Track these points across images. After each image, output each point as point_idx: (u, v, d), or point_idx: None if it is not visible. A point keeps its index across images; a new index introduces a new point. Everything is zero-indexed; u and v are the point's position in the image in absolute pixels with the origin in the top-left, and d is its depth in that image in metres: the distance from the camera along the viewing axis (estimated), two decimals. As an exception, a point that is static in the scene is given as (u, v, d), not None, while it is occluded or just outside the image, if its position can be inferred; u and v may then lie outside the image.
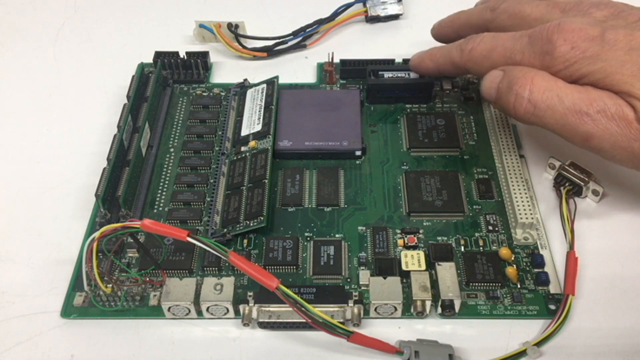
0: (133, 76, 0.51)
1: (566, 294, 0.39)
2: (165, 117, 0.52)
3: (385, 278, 0.39)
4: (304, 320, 0.36)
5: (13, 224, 0.45)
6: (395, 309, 0.39)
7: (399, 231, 0.44)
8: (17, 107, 0.54)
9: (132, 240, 0.42)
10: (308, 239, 0.43)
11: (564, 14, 0.40)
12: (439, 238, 0.43)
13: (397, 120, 0.51)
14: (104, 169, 0.44)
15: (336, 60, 0.55)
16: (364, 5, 0.61)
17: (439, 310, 0.39)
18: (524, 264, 0.42)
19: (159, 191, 0.47)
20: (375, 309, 0.39)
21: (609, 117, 0.36)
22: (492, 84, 0.40)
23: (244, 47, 0.57)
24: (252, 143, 0.48)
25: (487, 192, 0.46)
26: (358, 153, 0.48)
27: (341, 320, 0.37)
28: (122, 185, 0.44)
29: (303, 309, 0.35)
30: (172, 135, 0.51)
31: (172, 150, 0.50)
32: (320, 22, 0.59)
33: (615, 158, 0.38)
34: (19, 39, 0.61)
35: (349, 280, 0.41)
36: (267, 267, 0.41)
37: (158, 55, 0.55)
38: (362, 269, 0.42)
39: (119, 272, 0.42)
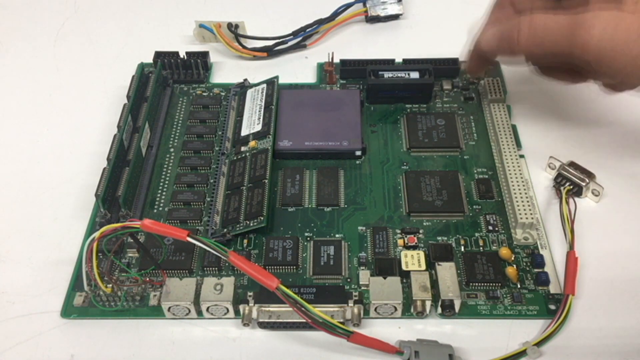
0: (133, 76, 0.51)
1: (566, 294, 0.39)
2: (165, 117, 0.52)
3: (385, 278, 0.39)
4: (304, 320, 0.36)
5: (13, 224, 0.45)
6: (395, 309, 0.39)
7: (399, 231, 0.44)
8: (17, 107, 0.54)
9: (132, 240, 0.42)
10: (308, 239, 0.43)
11: None
12: (439, 238, 0.43)
13: (397, 120, 0.51)
14: (104, 169, 0.44)
15: (336, 60, 0.55)
16: (364, 5, 0.61)
17: (439, 310, 0.39)
18: (524, 264, 0.42)
19: (159, 191, 0.47)
20: (375, 309, 0.39)
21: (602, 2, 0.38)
22: (493, 36, 0.43)
23: (244, 47, 0.57)
24: (252, 143, 0.48)
25: (487, 192, 0.46)
26: (358, 153, 0.48)
27: (341, 320, 0.37)
28: (122, 185, 0.44)
29: (303, 309, 0.35)
30: (172, 135, 0.51)
31: (172, 150, 0.50)
32: (320, 22, 0.59)
33: (612, 49, 0.38)
34: (19, 39, 0.61)
35: (349, 280, 0.41)
36: (267, 267, 0.41)
37: (158, 55, 0.55)
38: (362, 269, 0.42)
39: (119, 272, 0.42)
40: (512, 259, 0.42)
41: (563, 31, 0.39)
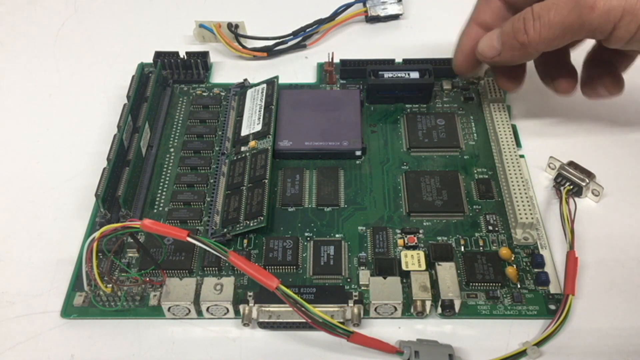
0: (133, 76, 0.51)
1: (566, 294, 0.39)
2: (165, 117, 0.52)
3: (385, 278, 0.39)
4: (304, 320, 0.36)
5: (13, 224, 0.45)
6: (395, 309, 0.39)
7: (399, 231, 0.44)
8: (17, 107, 0.54)
9: (132, 240, 0.42)
10: (308, 239, 0.43)
11: None
12: (439, 238, 0.43)
13: (397, 120, 0.51)
14: (104, 169, 0.44)
15: (336, 60, 0.55)
16: (364, 5, 0.61)
17: (439, 310, 0.39)
18: (524, 264, 0.42)
19: (159, 191, 0.47)
20: (375, 309, 0.39)
21: None
22: (495, 38, 0.44)
23: (244, 47, 0.57)
24: (252, 143, 0.48)
25: (487, 192, 0.46)
26: (358, 153, 0.48)
27: (341, 320, 0.37)
28: (122, 185, 0.44)
29: (303, 309, 0.35)
30: (172, 135, 0.51)
31: (172, 150, 0.50)
32: (320, 22, 0.59)
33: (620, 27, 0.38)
34: (19, 39, 0.61)
35: (349, 280, 0.41)
36: (267, 267, 0.41)
37: (158, 55, 0.55)
38: (362, 269, 0.42)
39: (119, 272, 0.42)
40: (512, 259, 0.42)
41: (568, 2, 0.39)
